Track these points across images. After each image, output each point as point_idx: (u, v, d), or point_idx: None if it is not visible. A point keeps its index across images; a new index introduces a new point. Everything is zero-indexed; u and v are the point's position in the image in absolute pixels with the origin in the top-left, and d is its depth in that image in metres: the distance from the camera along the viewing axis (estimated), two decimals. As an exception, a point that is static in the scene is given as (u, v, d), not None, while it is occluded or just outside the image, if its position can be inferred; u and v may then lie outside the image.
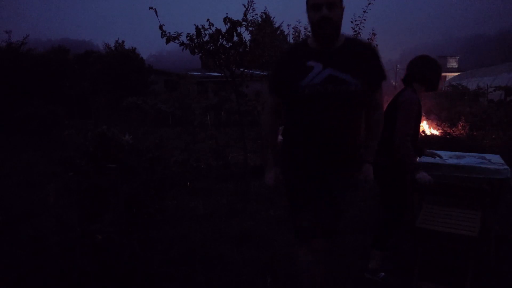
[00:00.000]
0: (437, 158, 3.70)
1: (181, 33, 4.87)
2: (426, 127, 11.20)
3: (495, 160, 3.73)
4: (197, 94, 17.57)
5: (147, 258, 2.82)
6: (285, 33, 9.02)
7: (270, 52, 5.18)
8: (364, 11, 7.92)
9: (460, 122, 11.75)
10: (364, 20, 7.98)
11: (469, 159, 3.80)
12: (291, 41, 8.70)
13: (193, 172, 6.29)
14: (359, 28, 8.04)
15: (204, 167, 6.66)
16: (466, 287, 2.86)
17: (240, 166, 6.59)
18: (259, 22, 7.44)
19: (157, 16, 4.63)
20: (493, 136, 9.98)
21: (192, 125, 10.20)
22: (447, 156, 3.94)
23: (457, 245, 3.08)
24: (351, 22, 8.08)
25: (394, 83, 32.73)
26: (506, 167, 3.46)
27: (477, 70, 27.95)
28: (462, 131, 10.91)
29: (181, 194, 5.43)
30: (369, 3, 7.89)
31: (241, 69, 5.23)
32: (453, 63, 40.29)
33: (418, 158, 3.84)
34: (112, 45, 23.36)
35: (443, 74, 37.62)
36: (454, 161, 3.73)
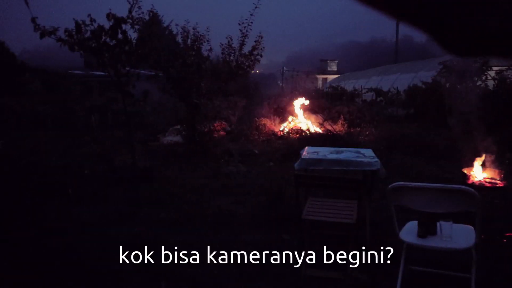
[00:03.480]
0: (319, 153, 3.99)
1: (58, 27, 4.48)
2: (311, 126, 11.96)
3: (368, 154, 4.15)
4: (80, 94, 16.35)
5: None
6: (174, 32, 8.82)
7: (159, 52, 5.04)
8: (251, 14, 8.18)
9: (339, 120, 12.84)
10: (251, 23, 8.24)
11: (347, 153, 4.17)
12: (180, 41, 8.54)
13: (76, 178, 5.84)
14: (247, 31, 8.28)
15: (88, 172, 6.23)
16: (348, 267, 3.14)
17: (128, 170, 6.31)
18: (146, 20, 7.17)
19: (28, 7, 4.19)
20: (367, 132, 11.11)
21: (74, 127, 9.46)
22: (327, 152, 4.26)
23: (339, 232, 3.36)
24: (239, 24, 8.28)
25: (280, 84, 34.45)
26: (376, 159, 3.87)
27: (354, 73, 30.80)
28: (342, 129, 11.94)
29: (63, 203, 5.00)
30: (256, 7, 8.17)
31: (127, 68, 5.01)
32: (333, 66, 43.79)
33: (302, 155, 4.09)
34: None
35: (324, 76, 40.70)
36: (333, 156, 4.05)
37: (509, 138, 6.61)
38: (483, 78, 14.26)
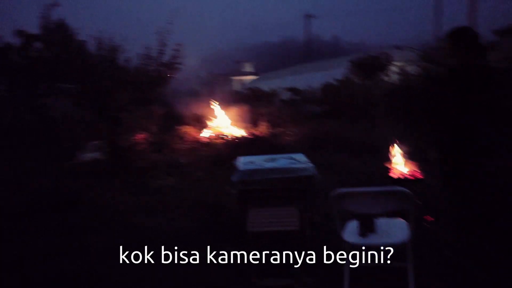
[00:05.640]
0: (255, 163, 4.04)
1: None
2: (234, 130, 12.03)
3: (301, 159, 4.29)
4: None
5: None
6: (87, 43, 8.27)
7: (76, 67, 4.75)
8: (168, 23, 8.02)
9: (262, 122, 13.07)
10: (168, 31, 8.08)
11: (281, 161, 4.27)
12: (95, 52, 8.05)
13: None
14: (165, 39, 8.10)
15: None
16: (297, 273, 3.22)
17: (51, 195, 5.82)
18: (57, 33, 6.66)
19: None
20: (290, 133, 11.45)
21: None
22: (262, 160, 4.32)
23: (284, 239, 3.43)
24: (156, 33, 8.08)
25: (197, 88, 34.16)
26: (310, 164, 4.02)
27: (269, 74, 31.59)
28: (265, 130, 12.16)
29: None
30: (172, 17, 8.03)
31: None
32: (248, 68, 44.51)
33: (238, 165, 4.11)
34: None
35: (241, 78, 41.23)
36: (270, 164, 4.12)
37: (423, 129, 7.26)
38: (388, 73, 15.49)
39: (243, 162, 4.31)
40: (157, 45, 8.26)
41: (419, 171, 4.69)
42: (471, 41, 3.34)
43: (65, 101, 6.08)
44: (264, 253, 3.59)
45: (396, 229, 3.03)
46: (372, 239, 2.98)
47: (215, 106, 12.62)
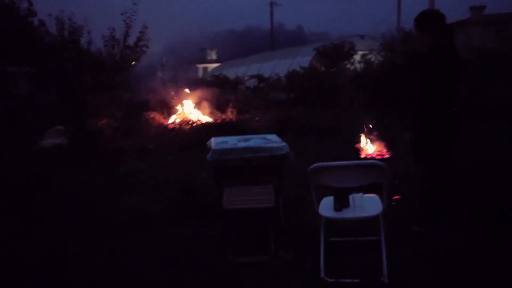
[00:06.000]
0: (229, 143, 4.05)
1: None
2: (201, 116, 11.96)
3: (274, 139, 4.33)
4: None
5: None
6: (46, 23, 7.87)
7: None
8: (134, 3, 7.81)
9: (228, 108, 13.05)
10: (135, 12, 7.87)
11: (255, 140, 4.29)
12: (55, 33, 7.70)
13: None
14: (131, 21, 7.89)
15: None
16: (271, 248, 3.29)
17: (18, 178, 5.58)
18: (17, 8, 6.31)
19: None
20: (257, 118, 11.51)
21: None
22: (236, 141, 4.33)
23: (259, 217, 3.49)
24: (122, 14, 7.85)
25: (161, 75, 33.52)
26: (284, 143, 4.07)
27: (234, 61, 31.43)
28: (232, 116, 12.16)
29: None
30: (138, -4, 7.82)
31: None
32: (212, 55, 44.10)
33: (212, 145, 4.11)
34: None
35: (205, 65, 40.81)
36: (243, 144, 4.14)
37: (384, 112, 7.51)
38: (352, 61, 15.83)
39: (216, 142, 4.31)
40: (121, 26, 8.03)
41: (386, 151, 4.87)
42: (439, 23, 3.48)
43: (28, 84, 5.79)
44: (240, 230, 3.65)
45: (369, 203, 3.14)
46: (347, 213, 3.09)
47: (182, 93, 12.48)
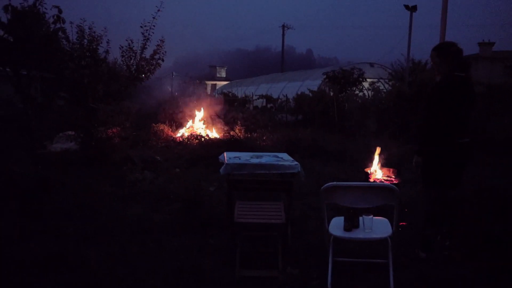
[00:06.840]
0: (242, 158, 4.12)
1: None
2: (209, 131, 12.07)
3: (286, 158, 4.41)
4: None
5: None
6: (67, 31, 8.05)
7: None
8: (153, 17, 8.00)
9: (237, 126, 13.17)
10: (154, 26, 8.06)
11: (266, 158, 4.37)
12: (75, 40, 7.90)
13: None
14: (149, 34, 8.08)
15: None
16: (279, 264, 3.32)
17: (23, 179, 5.65)
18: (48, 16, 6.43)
19: None
20: (264, 137, 11.60)
21: None
22: (248, 157, 4.41)
23: (269, 232, 3.53)
24: (141, 27, 8.04)
25: (170, 89, 33.78)
26: (296, 162, 4.14)
27: (243, 80, 31.76)
28: (240, 134, 12.27)
29: None
30: (158, 10, 8.03)
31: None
32: (222, 73, 44.58)
33: (225, 159, 4.18)
34: None
35: (214, 82, 41.20)
36: (256, 160, 4.22)
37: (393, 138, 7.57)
38: (360, 88, 15.99)
39: (229, 156, 4.39)
40: (139, 38, 8.21)
41: (394, 177, 4.91)
42: (456, 54, 3.57)
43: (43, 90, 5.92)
44: (249, 244, 3.67)
45: (379, 226, 3.19)
46: (357, 234, 3.13)
47: (192, 108, 12.64)
